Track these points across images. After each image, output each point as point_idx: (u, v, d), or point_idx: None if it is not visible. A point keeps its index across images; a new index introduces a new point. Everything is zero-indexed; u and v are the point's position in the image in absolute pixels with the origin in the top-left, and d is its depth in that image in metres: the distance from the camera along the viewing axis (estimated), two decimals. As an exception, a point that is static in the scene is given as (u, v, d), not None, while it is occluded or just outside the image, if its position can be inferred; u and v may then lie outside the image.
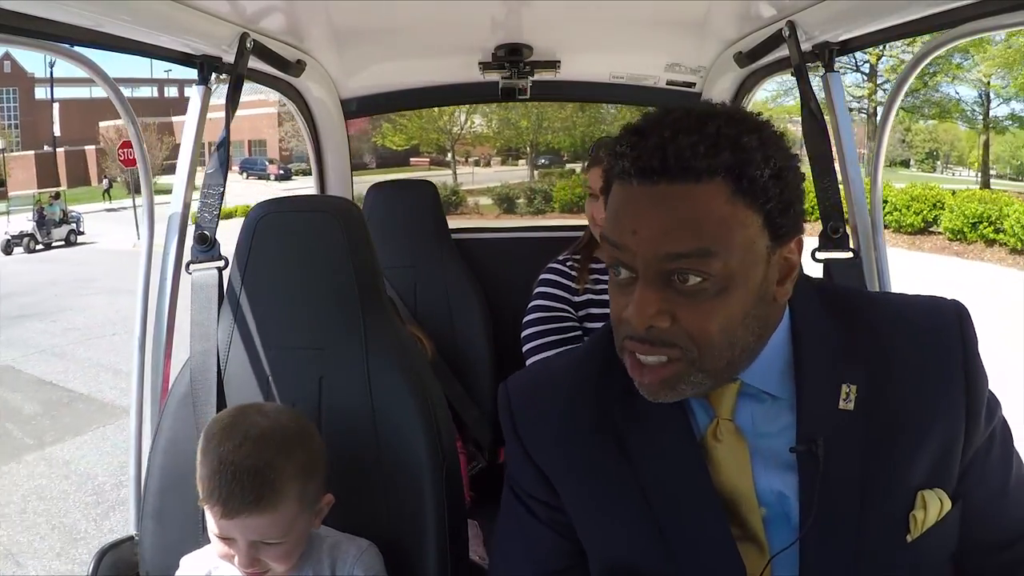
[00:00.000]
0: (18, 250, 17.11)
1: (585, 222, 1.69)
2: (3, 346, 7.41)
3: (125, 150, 16.70)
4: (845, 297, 0.75)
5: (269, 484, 0.85)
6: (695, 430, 0.71)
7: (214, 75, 1.26)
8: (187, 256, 1.22)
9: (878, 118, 1.32)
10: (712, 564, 0.68)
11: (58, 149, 34.14)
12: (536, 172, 20.73)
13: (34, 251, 17.10)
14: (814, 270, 1.26)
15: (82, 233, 18.72)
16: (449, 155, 21.08)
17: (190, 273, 1.19)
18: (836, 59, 1.26)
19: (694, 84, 1.95)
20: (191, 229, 1.22)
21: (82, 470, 4.43)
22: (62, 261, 14.64)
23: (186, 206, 1.24)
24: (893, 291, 1.20)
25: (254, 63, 1.38)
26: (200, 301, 1.15)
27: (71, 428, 5.18)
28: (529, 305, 1.58)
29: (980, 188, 15.42)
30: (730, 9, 1.43)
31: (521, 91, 1.89)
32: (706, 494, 0.69)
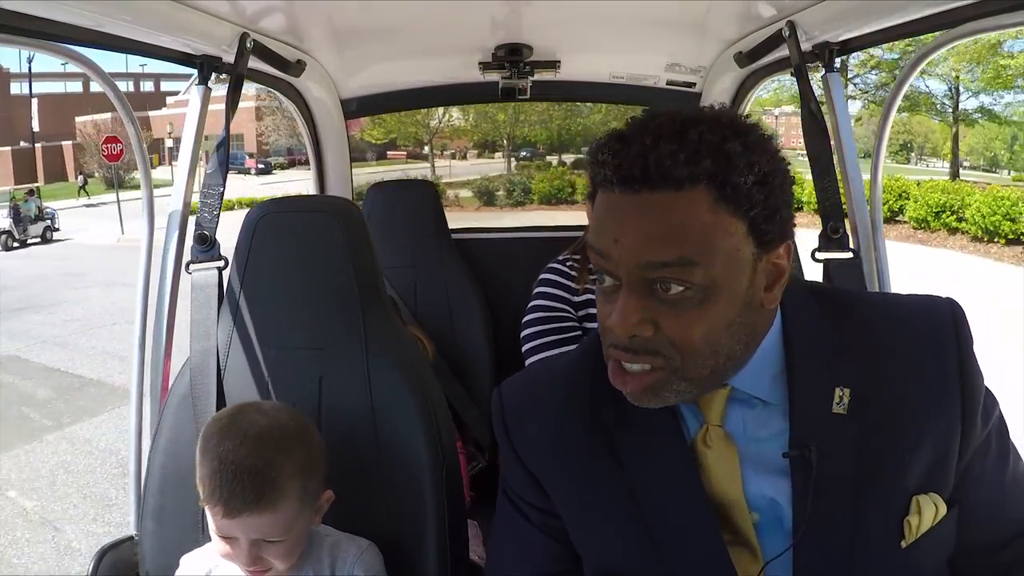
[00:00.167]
0: (-4, 247, 17.00)
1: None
2: (5, 337, 7.49)
3: (109, 145, 16.66)
4: (838, 299, 0.75)
5: (270, 483, 0.85)
6: (686, 435, 0.71)
7: (214, 75, 1.26)
8: (187, 256, 1.22)
9: (880, 114, 1.31)
10: (703, 569, 0.68)
11: (35, 145, 33.85)
12: (514, 165, 20.87)
13: (11, 248, 16.93)
14: (814, 270, 1.27)
15: (57, 230, 18.51)
16: (426, 148, 21.14)
17: (190, 273, 1.19)
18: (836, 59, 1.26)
19: (694, 84, 1.95)
20: (191, 229, 1.22)
21: (103, 446, 4.58)
22: (47, 257, 14.62)
23: (186, 205, 1.24)
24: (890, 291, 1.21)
25: (254, 63, 1.38)
26: (200, 301, 1.15)
27: (87, 410, 5.33)
28: (528, 305, 1.58)
29: (950, 179, 15.80)
30: (730, 9, 1.43)
31: (521, 91, 1.89)
32: (696, 499, 0.69)
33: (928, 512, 0.67)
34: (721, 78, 1.83)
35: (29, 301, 9.47)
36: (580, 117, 19.22)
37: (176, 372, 1.12)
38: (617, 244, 0.62)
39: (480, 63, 1.81)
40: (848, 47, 1.26)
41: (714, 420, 0.70)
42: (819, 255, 1.24)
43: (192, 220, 1.23)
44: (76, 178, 30.39)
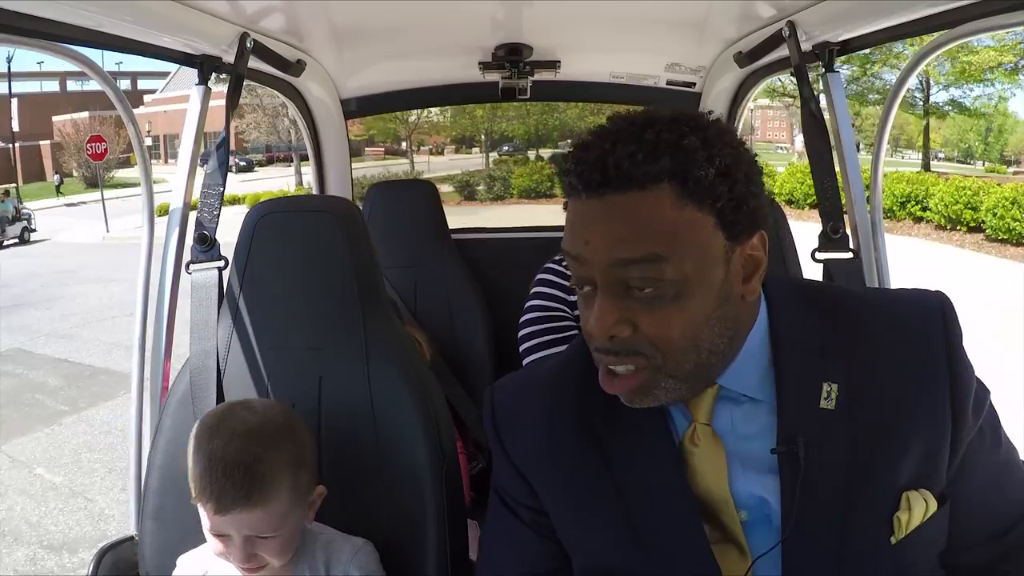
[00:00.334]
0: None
1: None
2: (6, 332, 7.55)
3: (94, 144, 16.66)
4: (826, 294, 0.75)
5: (260, 478, 0.85)
6: (674, 435, 0.71)
7: (213, 75, 1.26)
8: (187, 256, 1.22)
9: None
10: (687, 567, 0.68)
11: (14, 145, 33.38)
12: (491, 159, 20.98)
13: (-9, 250, 16.85)
14: (814, 270, 1.27)
15: (34, 230, 18.35)
16: (404, 144, 21.23)
17: (190, 273, 1.19)
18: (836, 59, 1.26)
19: (694, 84, 1.95)
20: (191, 229, 1.22)
21: (122, 426, 4.63)
22: (34, 255, 14.63)
23: (186, 205, 1.24)
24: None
25: (254, 63, 1.38)
26: (200, 301, 1.15)
27: (101, 395, 5.42)
28: (526, 305, 1.58)
29: (921, 170, 16.25)
30: (730, 9, 1.43)
31: (521, 91, 1.89)
32: (682, 498, 0.69)
33: (918, 508, 0.67)
34: (721, 78, 1.83)
35: (25, 298, 9.50)
36: (557, 112, 19.37)
37: (176, 372, 1.12)
38: (588, 246, 0.63)
39: (480, 63, 1.81)
40: (848, 47, 1.26)
41: (701, 419, 0.70)
42: (819, 255, 1.24)
43: (192, 220, 1.23)
44: (54, 178, 30.27)
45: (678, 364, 0.65)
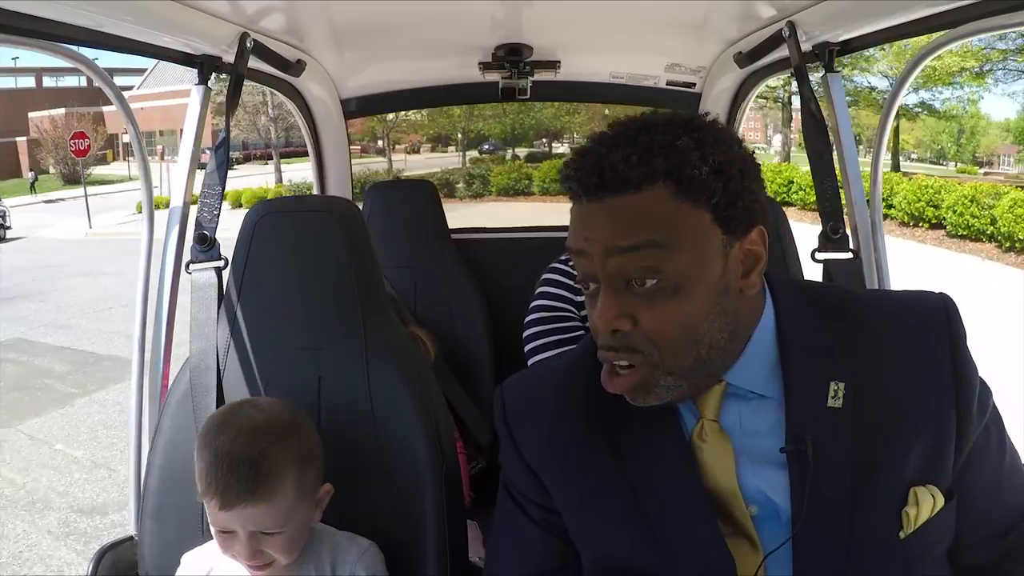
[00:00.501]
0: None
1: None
2: (4, 323, 7.62)
3: (77, 140, 16.63)
4: (831, 295, 0.76)
5: (265, 473, 0.85)
6: (684, 431, 0.72)
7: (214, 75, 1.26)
8: (187, 256, 1.21)
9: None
10: (702, 560, 0.69)
11: None
12: (468, 158, 21.24)
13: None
14: (814, 271, 1.27)
15: (8, 228, 17.94)
16: (380, 142, 21.32)
17: (190, 273, 1.19)
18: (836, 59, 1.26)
19: (694, 84, 1.95)
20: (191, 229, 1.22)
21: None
22: (21, 251, 14.59)
23: (186, 205, 1.24)
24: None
25: (254, 63, 1.38)
26: (200, 301, 1.15)
27: (109, 379, 5.53)
28: (531, 305, 1.58)
29: (891, 170, 16.77)
30: (730, 9, 1.43)
31: (521, 91, 1.89)
32: (694, 493, 0.70)
33: (926, 503, 0.68)
34: (721, 78, 1.83)
35: (17, 291, 9.51)
36: (533, 112, 19.71)
37: (175, 372, 1.12)
38: (588, 240, 0.65)
39: (480, 63, 1.81)
40: (848, 47, 1.26)
41: (709, 415, 0.71)
42: (819, 255, 1.24)
43: (192, 220, 1.23)
44: (29, 175, 30.10)
45: (676, 360, 0.66)
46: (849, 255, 1.24)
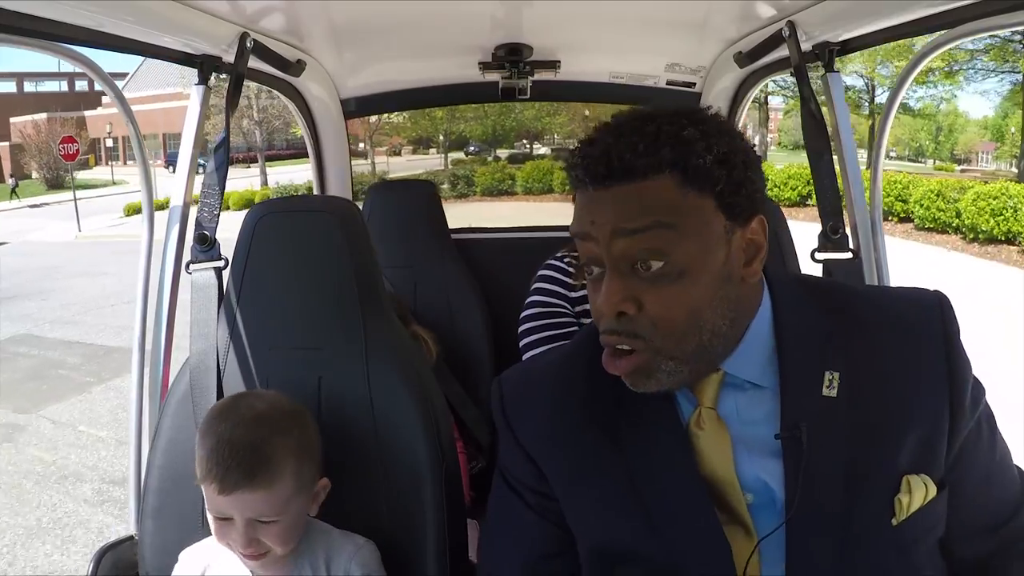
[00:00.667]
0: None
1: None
2: (8, 320, 7.66)
3: (65, 145, 16.61)
4: (828, 289, 0.77)
5: (265, 459, 0.86)
6: (681, 419, 0.73)
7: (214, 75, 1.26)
8: (187, 256, 1.21)
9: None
10: (698, 544, 0.70)
11: None
12: (451, 160, 21.45)
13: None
14: (814, 271, 1.27)
15: None
16: (361, 144, 21.48)
17: (190, 273, 1.19)
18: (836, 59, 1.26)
19: (694, 84, 1.95)
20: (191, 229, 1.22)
21: None
22: (12, 254, 14.49)
23: (186, 205, 1.24)
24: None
25: (254, 63, 1.38)
26: (200, 301, 1.15)
27: (122, 368, 5.58)
28: (526, 301, 1.58)
29: (866, 168, 17.53)
30: (730, 9, 1.43)
31: (521, 91, 1.89)
32: (691, 480, 0.71)
33: (918, 492, 0.69)
34: (721, 78, 1.83)
35: (17, 291, 9.53)
36: (514, 113, 19.92)
37: (176, 372, 1.12)
38: (594, 224, 0.66)
39: (480, 63, 1.81)
40: (848, 47, 1.26)
41: (707, 403, 0.72)
42: (819, 255, 1.24)
43: (192, 220, 1.23)
44: (9, 180, 29.83)
45: (679, 345, 0.67)
46: (849, 255, 1.24)
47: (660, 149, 0.64)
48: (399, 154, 23.06)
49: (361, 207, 1.86)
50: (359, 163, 20.87)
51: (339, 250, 1.05)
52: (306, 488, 0.92)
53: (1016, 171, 17.56)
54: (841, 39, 1.24)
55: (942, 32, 1.11)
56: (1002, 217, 10.19)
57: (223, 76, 1.29)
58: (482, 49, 1.76)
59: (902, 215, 12.17)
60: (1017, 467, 0.77)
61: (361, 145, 21.41)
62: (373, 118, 19.48)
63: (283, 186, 19.31)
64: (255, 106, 22.02)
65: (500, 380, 0.84)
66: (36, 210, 23.61)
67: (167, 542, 1.04)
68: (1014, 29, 1.02)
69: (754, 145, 0.72)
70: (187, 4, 1.09)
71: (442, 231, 1.99)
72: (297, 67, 1.63)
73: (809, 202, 14.31)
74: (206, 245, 1.19)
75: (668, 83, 1.98)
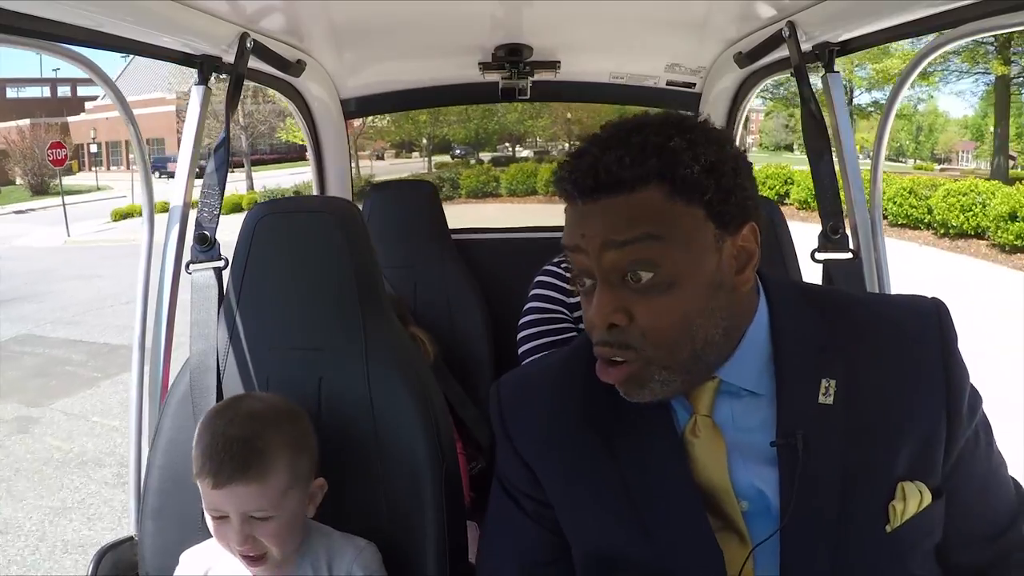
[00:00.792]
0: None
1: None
2: (8, 322, 7.70)
3: (54, 151, 16.62)
4: (825, 296, 0.77)
5: (258, 452, 0.87)
6: (676, 427, 0.73)
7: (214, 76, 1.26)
8: (187, 256, 1.21)
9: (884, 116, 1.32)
10: (690, 552, 0.70)
11: None
12: (435, 163, 21.78)
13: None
14: (814, 271, 1.27)
15: None
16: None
17: (190, 273, 1.19)
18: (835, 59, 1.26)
19: (694, 84, 1.95)
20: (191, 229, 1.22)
21: None
22: (3, 259, 14.27)
23: (186, 205, 1.24)
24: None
25: (254, 63, 1.38)
26: (200, 301, 1.15)
27: (129, 365, 5.49)
28: (525, 307, 1.58)
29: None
30: (730, 9, 1.43)
31: (521, 91, 1.89)
32: (685, 487, 0.71)
33: (913, 499, 0.68)
34: (721, 78, 1.83)
35: (12, 294, 9.53)
36: (496, 116, 20.25)
37: (175, 372, 1.12)
38: (584, 237, 0.66)
39: (480, 63, 1.81)
40: (848, 47, 1.26)
41: (702, 410, 0.72)
42: (819, 255, 1.24)
43: (192, 220, 1.23)
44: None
45: (671, 355, 0.67)
46: (849, 255, 1.24)
47: (647, 160, 0.63)
48: (382, 158, 23.19)
49: (361, 207, 1.86)
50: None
51: (339, 250, 1.05)
52: (301, 484, 0.92)
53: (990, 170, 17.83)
54: (841, 39, 1.24)
55: (942, 32, 1.11)
56: (971, 213, 10.56)
57: (223, 76, 1.29)
58: (482, 49, 1.76)
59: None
60: (1013, 478, 0.77)
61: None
62: (357, 122, 19.62)
63: (270, 190, 19.36)
64: (241, 111, 22.07)
65: (499, 384, 0.84)
66: (21, 216, 23.53)
67: (167, 542, 1.04)
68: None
69: (745, 150, 0.72)
70: (187, 4, 1.09)
71: (442, 231, 1.99)
72: (297, 67, 1.63)
73: (787, 200, 14.73)
74: (206, 245, 1.19)
75: (668, 83, 1.98)
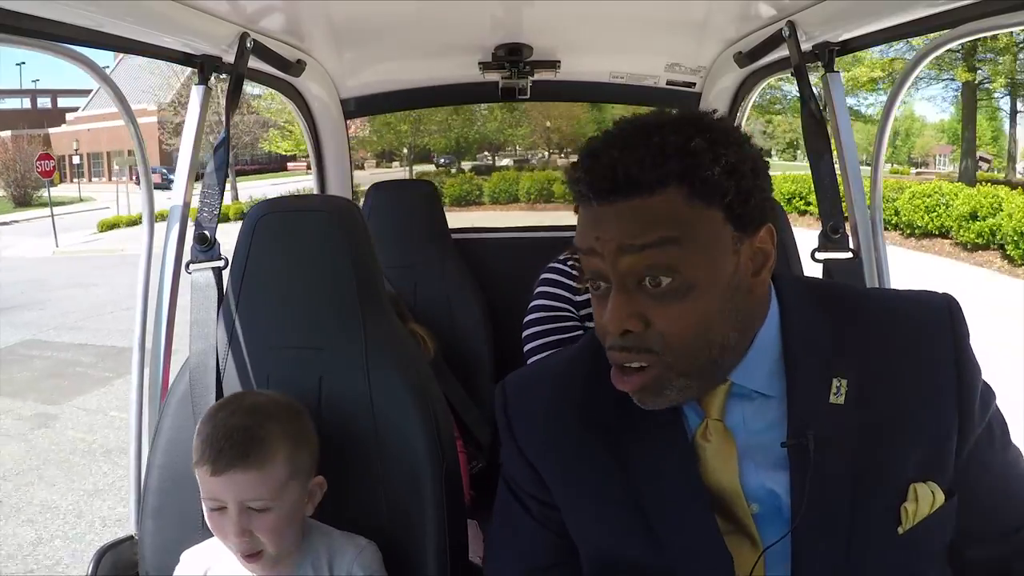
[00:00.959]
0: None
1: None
2: (11, 328, 7.72)
3: (42, 162, 16.64)
4: (835, 293, 0.76)
5: (258, 440, 0.87)
6: (687, 431, 0.72)
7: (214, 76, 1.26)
8: (187, 256, 1.22)
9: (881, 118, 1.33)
10: (699, 555, 0.69)
11: None
12: (415, 172, 21.79)
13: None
14: (814, 270, 1.27)
15: None
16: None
17: (190, 273, 1.19)
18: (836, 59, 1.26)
19: (694, 84, 1.95)
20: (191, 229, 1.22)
21: None
22: None
23: (186, 205, 1.24)
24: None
25: (254, 63, 1.38)
26: (200, 301, 1.15)
27: None
28: (530, 305, 1.58)
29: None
30: (730, 9, 1.43)
31: (521, 91, 1.89)
32: (694, 491, 0.70)
33: (925, 500, 0.68)
34: (721, 78, 1.83)
35: (11, 302, 9.54)
36: (476, 124, 20.44)
37: (175, 372, 1.12)
38: (600, 240, 0.64)
39: (480, 63, 1.81)
40: (848, 47, 1.26)
41: (714, 414, 0.71)
42: (819, 255, 1.24)
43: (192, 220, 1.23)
44: None
45: (690, 361, 0.65)
46: (849, 255, 1.24)
47: (667, 162, 0.62)
48: (362, 167, 23.34)
49: (361, 207, 1.86)
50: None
51: (339, 250, 1.05)
52: (301, 478, 0.92)
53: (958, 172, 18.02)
54: (841, 39, 1.24)
55: (942, 32, 1.11)
56: (935, 213, 10.96)
57: (223, 76, 1.29)
58: (482, 49, 1.76)
59: (845, 214, 12.95)
60: None
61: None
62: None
63: (256, 199, 19.25)
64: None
65: (504, 385, 0.83)
66: (5, 228, 23.28)
67: (167, 542, 1.04)
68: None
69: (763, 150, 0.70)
70: (187, 4, 1.09)
71: (442, 231, 1.99)
72: (297, 67, 1.63)
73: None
74: (206, 245, 1.19)
75: (668, 83, 1.98)
